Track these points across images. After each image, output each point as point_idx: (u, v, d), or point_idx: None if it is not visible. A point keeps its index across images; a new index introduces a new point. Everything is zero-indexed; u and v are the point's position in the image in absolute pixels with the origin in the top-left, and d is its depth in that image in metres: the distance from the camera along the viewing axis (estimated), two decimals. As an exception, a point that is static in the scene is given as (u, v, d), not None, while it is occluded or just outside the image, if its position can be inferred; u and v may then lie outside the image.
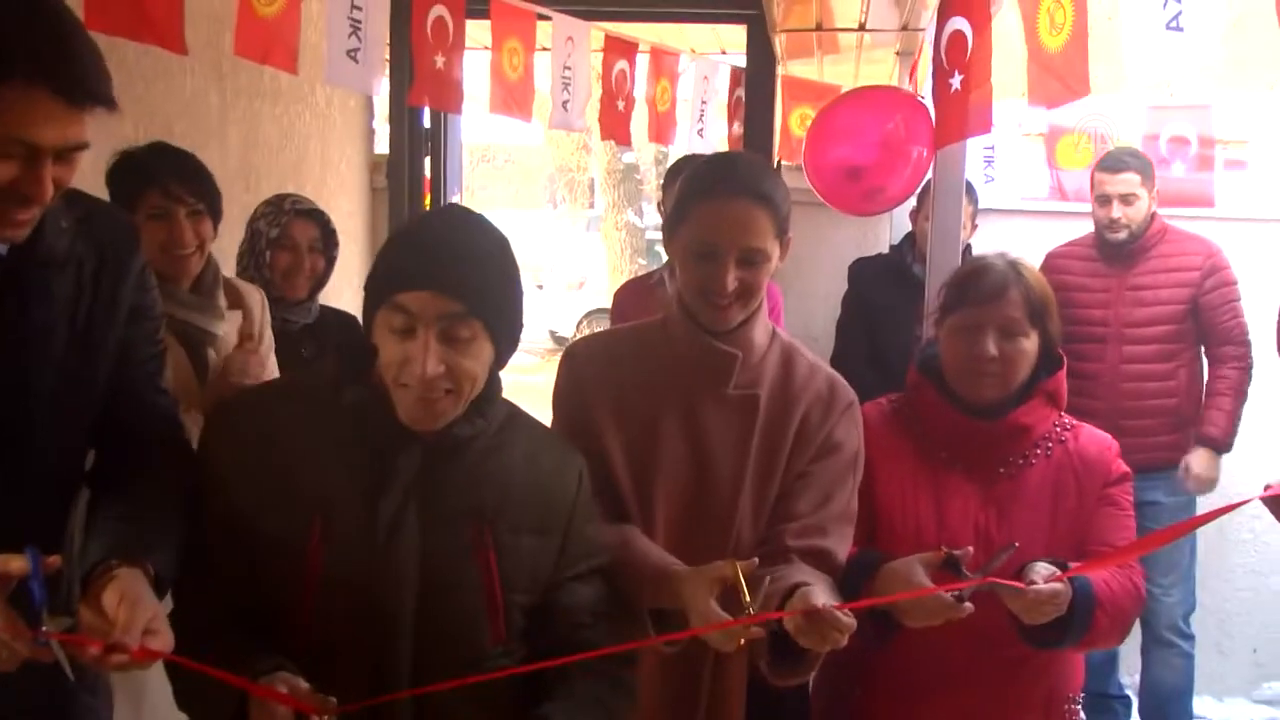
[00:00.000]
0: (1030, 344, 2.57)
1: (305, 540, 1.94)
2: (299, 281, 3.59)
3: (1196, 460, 4.68)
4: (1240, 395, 4.74)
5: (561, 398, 2.54)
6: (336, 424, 2.00)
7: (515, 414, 2.18)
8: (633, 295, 4.42)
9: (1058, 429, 2.65)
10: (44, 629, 1.61)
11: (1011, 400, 2.60)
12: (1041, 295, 2.58)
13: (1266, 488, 2.37)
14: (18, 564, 1.62)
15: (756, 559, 2.14)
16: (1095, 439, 2.68)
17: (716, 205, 2.35)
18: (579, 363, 2.57)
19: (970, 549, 2.29)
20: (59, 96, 1.69)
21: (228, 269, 3.58)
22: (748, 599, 2.03)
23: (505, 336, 2.01)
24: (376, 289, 1.96)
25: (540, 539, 2.11)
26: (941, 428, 2.64)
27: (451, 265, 1.93)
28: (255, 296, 3.42)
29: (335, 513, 1.96)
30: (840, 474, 2.48)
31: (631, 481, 2.45)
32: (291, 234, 3.55)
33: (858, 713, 2.68)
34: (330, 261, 3.70)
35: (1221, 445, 4.69)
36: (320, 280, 3.68)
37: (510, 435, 2.13)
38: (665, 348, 2.51)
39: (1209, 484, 4.68)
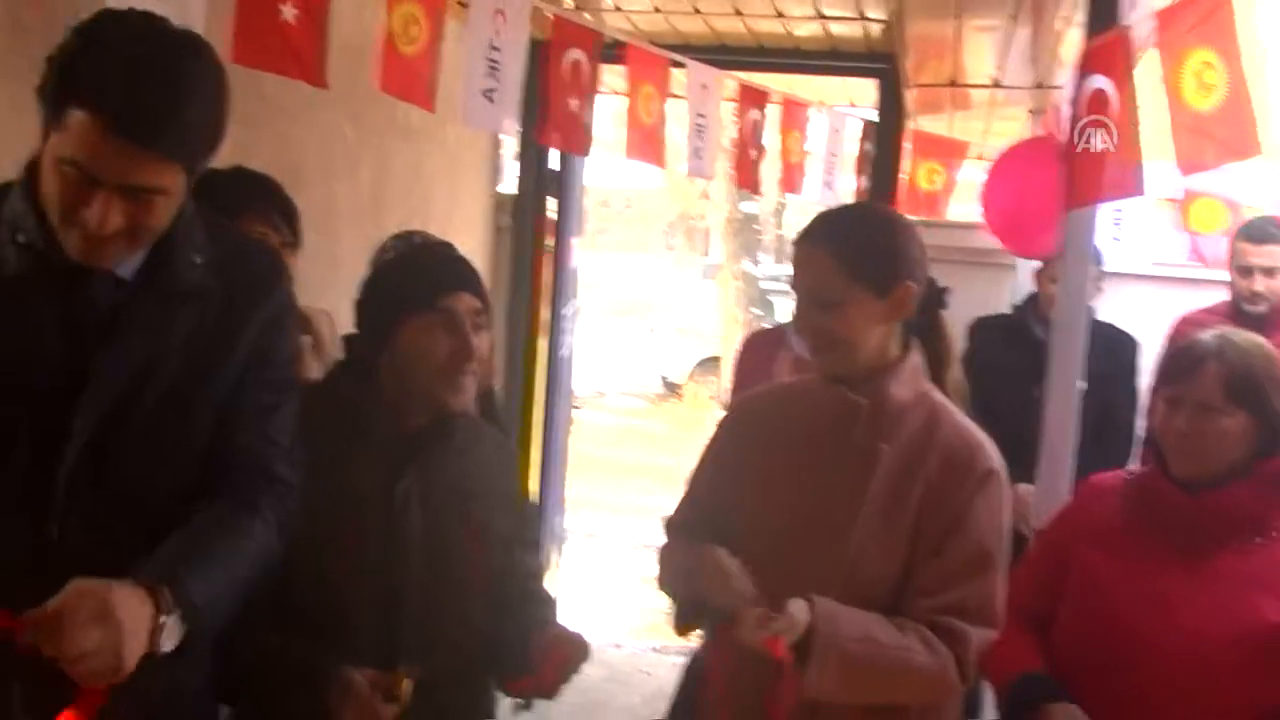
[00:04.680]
0: (1233, 422, 2.45)
1: (341, 526, 2.31)
2: None
3: None
4: None
5: (704, 455, 2.69)
6: (348, 423, 2.38)
7: (478, 417, 2.63)
8: (757, 348, 4.40)
9: None
10: None
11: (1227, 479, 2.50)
12: (1249, 372, 2.46)
13: None
14: None
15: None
16: None
17: (796, 252, 2.47)
18: (726, 419, 2.72)
19: None
20: (121, 135, 1.73)
21: (343, 305, 3.63)
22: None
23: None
24: (409, 300, 2.37)
25: (505, 515, 2.54)
26: (1152, 497, 2.58)
27: (471, 273, 2.45)
28: (324, 320, 3.48)
29: (362, 503, 2.33)
30: (978, 557, 2.38)
31: (734, 522, 2.48)
32: None
33: None
34: None
35: None
36: None
37: (480, 432, 2.58)
38: (806, 398, 2.53)
39: None
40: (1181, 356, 2.54)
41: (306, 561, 2.21)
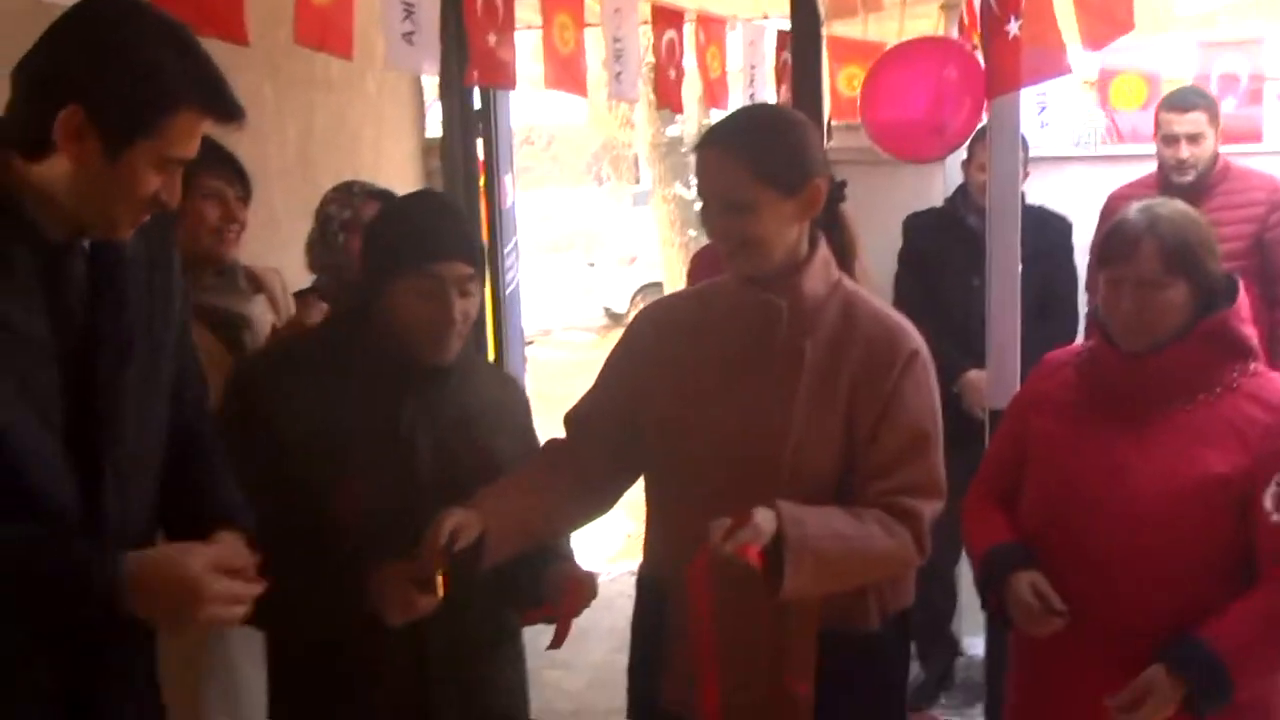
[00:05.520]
0: (1175, 293, 2.52)
1: (348, 457, 2.41)
2: None
3: None
4: None
5: (611, 354, 2.69)
6: (350, 365, 2.48)
7: (473, 349, 2.73)
8: (707, 262, 4.44)
9: (1235, 375, 2.56)
10: None
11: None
12: (1183, 243, 2.52)
13: None
14: None
15: None
16: (1275, 389, 2.57)
17: (699, 158, 2.46)
18: (637, 321, 2.70)
19: None
20: (214, 118, 1.91)
21: (281, 260, 3.68)
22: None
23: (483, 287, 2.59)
24: (400, 260, 2.43)
25: (509, 439, 2.63)
26: (1099, 367, 2.67)
27: (465, 239, 2.49)
28: (275, 278, 3.54)
29: (369, 434, 2.44)
30: (914, 436, 2.44)
31: (664, 434, 2.52)
32: (364, 216, 3.52)
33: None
34: None
35: None
36: None
37: (475, 363, 2.73)
38: (722, 302, 2.55)
39: None
40: (1116, 237, 2.58)
41: (322, 495, 2.36)
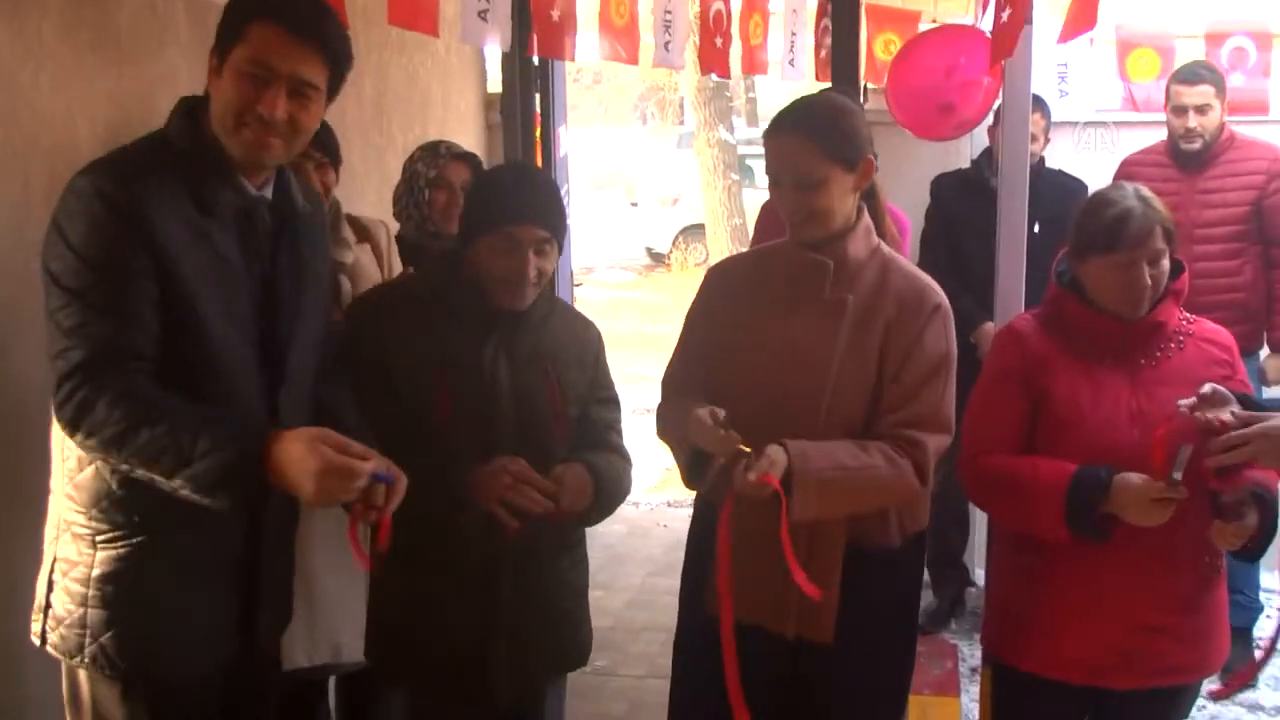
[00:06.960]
0: (1167, 260, 2.88)
1: (439, 382, 2.81)
2: (454, 216, 3.81)
3: (1271, 365, 4.99)
4: None
5: (689, 314, 3.07)
6: (444, 307, 2.88)
7: (552, 294, 3.06)
8: (775, 213, 4.73)
9: (1184, 323, 2.97)
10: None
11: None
12: (1169, 218, 2.88)
13: None
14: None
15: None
16: (1213, 329, 3.01)
17: (771, 141, 2.84)
18: (707, 280, 3.10)
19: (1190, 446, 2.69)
20: (291, 31, 2.29)
21: (357, 207, 4.04)
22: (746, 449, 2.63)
23: (562, 246, 2.94)
24: (485, 221, 2.84)
25: (580, 373, 3.01)
26: (1089, 331, 2.93)
27: (544, 206, 2.85)
28: (381, 230, 3.83)
29: (457, 363, 2.83)
30: (928, 375, 2.80)
31: (721, 371, 2.91)
32: (447, 175, 3.86)
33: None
34: None
35: None
36: None
37: (554, 307, 3.04)
38: (779, 261, 2.95)
39: None
40: (1130, 224, 2.83)
41: (418, 415, 2.72)
